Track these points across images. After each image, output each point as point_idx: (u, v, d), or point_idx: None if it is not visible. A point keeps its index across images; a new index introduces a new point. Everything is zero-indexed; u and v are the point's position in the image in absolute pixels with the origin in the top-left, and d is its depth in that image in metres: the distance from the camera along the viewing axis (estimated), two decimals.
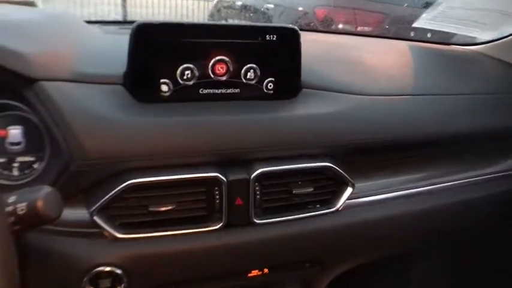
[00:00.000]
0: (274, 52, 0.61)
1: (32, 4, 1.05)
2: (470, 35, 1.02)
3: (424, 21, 1.05)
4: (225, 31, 0.60)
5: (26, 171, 0.55)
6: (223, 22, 0.71)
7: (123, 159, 0.53)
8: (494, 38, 0.99)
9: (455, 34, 1.10)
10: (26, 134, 0.54)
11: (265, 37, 0.60)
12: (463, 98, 0.80)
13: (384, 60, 0.86)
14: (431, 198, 0.75)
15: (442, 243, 1.01)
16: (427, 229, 0.78)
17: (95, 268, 0.54)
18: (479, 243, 1.09)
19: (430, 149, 0.78)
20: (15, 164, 0.54)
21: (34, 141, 0.54)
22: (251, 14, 2.95)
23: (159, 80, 0.57)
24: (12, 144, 0.54)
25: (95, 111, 0.53)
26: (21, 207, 0.41)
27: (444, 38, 1.12)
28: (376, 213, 0.69)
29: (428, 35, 1.19)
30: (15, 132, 0.54)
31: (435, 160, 0.79)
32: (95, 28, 0.76)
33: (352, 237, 0.68)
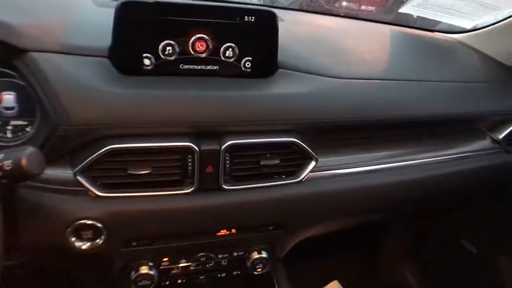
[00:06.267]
0: (252, 33, 0.62)
1: None
2: (451, 22, 1.00)
3: (410, 7, 1.03)
4: (206, 10, 0.59)
5: (19, 134, 0.57)
6: (205, 2, 0.69)
7: (105, 126, 0.55)
8: (473, 28, 0.98)
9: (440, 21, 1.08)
10: (19, 99, 0.56)
11: (244, 18, 0.60)
12: (435, 85, 0.80)
13: (363, 44, 0.85)
14: (393, 174, 0.76)
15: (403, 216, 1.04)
16: (387, 202, 0.80)
17: (78, 221, 0.57)
18: (438, 218, 1.13)
19: (397, 130, 0.79)
20: (9, 127, 0.56)
21: (26, 106, 0.56)
22: None
23: (142, 55, 0.58)
24: (6, 108, 0.56)
25: (81, 81, 0.54)
26: (8, 164, 0.44)
27: (431, 25, 1.10)
28: (337, 185, 0.72)
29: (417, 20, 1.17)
30: (8, 98, 0.56)
31: (402, 140, 0.80)
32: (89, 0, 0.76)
33: (313, 206, 0.71)
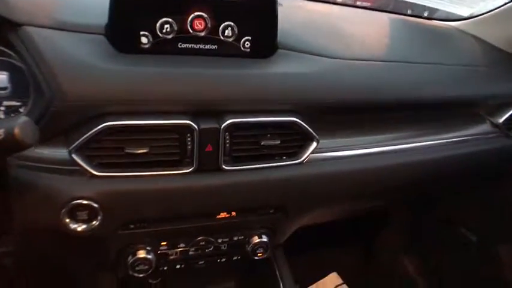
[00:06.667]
0: (252, 11, 0.60)
1: None
2: (449, 10, 1.00)
3: None
4: None
5: (12, 115, 0.55)
6: None
7: (101, 103, 0.54)
8: (471, 15, 0.98)
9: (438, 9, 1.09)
10: (12, 79, 0.54)
11: None
12: (435, 67, 0.80)
13: (362, 29, 0.85)
14: (393, 156, 0.76)
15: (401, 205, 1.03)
16: (387, 185, 0.79)
17: (73, 201, 0.55)
18: (438, 204, 1.12)
19: (398, 113, 0.78)
20: (2, 108, 0.55)
21: (20, 87, 0.54)
22: None
23: (139, 32, 0.56)
24: None
25: (76, 57, 0.53)
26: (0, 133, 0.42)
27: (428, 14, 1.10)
28: (338, 167, 0.71)
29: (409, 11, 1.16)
30: (1, 78, 0.54)
31: (403, 123, 0.80)
32: None
33: (314, 187, 0.70)
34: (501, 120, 0.87)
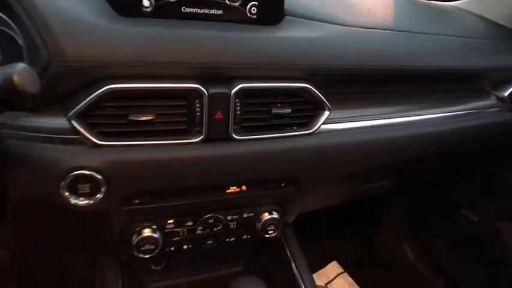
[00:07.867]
0: None
1: None
2: None
3: None
4: None
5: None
6: None
7: (104, 64, 0.49)
8: None
9: None
10: (3, 47, 0.49)
11: None
12: (442, 38, 0.79)
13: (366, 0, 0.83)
14: (402, 128, 0.75)
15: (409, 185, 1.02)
16: (396, 158, 0.78)
17: (74, 171, 0.51)
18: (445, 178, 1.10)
19: (406, 84, 0.76)
20: None
21: (11, 55, 0.49)
22: None
23: None
24: None
25: (76, 15, 0.49)
26: None
27: None
28: (349, 138, 0.69)
29: None
30: None
31: (410, 96, 0.79)
32: None
33: (325, 159, 0.67)
34: (506, 93, 0.86)
